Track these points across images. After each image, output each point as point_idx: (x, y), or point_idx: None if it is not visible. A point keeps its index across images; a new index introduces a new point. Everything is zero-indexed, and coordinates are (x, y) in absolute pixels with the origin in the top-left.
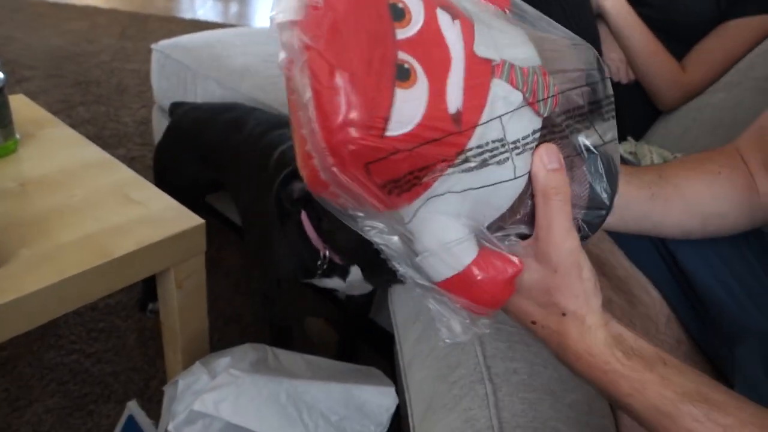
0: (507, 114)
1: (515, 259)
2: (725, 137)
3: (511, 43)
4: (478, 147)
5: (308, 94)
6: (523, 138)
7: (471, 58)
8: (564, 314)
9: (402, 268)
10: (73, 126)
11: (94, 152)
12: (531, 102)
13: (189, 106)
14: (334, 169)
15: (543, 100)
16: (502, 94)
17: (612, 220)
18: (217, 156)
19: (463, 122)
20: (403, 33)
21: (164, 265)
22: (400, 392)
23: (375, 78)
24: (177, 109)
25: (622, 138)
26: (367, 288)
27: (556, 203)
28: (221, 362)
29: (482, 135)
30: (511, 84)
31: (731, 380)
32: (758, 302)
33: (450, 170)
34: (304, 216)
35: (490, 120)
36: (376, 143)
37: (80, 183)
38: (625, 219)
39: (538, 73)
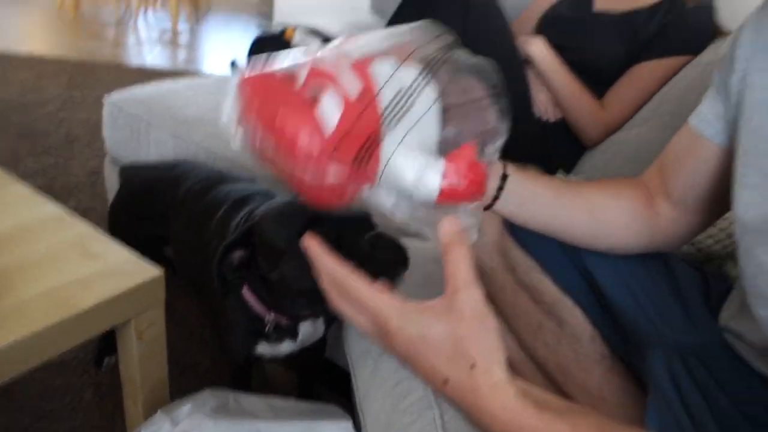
0: (391, 77)
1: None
2: (643, 169)
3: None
4: (389, 106)
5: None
6: (415, 79)
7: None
8: (473, 366)
9: (414, 214)
10: (22, 178)
11: (48, 207)
12: (404, 59)
13: (139, 167)
14: (334, 167)
15: (410, 54)
16: (382, 69)
17: (523, 215)
18: (164, 215)
19: (365, 99)
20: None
21: (126, 316)
22: (358, 426)
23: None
24: (128, 170)
25: (553, 171)
26: (318, 334)
27: (457, 255)
28: (183, 410)
29: (386, 97)
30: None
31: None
32: (663, 315)
33: (384, 129)
34: (246, 291)
35: (384, 86)
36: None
37: (38, 239)
38: (534, 214)
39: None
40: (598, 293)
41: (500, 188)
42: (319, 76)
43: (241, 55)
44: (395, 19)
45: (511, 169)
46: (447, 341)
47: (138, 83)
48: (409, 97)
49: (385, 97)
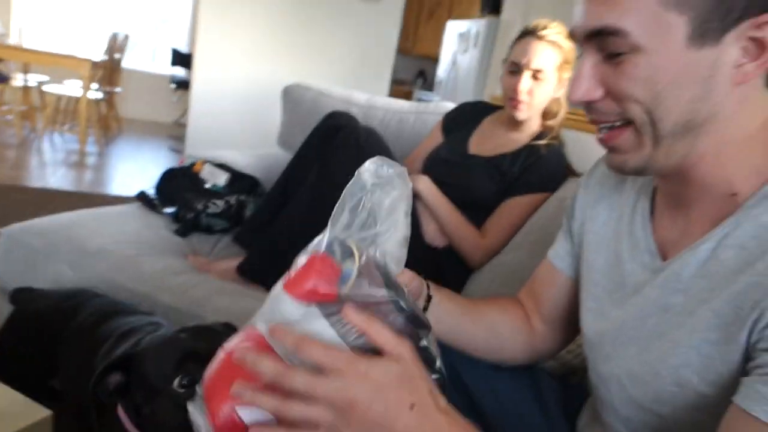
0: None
1: None
2: (516, 288)
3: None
4: None
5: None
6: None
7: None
8: (429, 391)
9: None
10: None
11: None
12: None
13: (34, 294)
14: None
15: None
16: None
17: (439, 330)
18: (54, 346)
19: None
20: None
21: None
22: None
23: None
24: (21, 296)
25: None
26: None
27: (376, 328)
28: None
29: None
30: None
31: None
32: (524, 420)
33: None
34: (120, 411)
35: None
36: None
37: None
38: (448, 330)
39: None
40: (465, 394)
41: (425, 308)
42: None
43: (151, 180)
44: (300, 153)
45: (433, 290)
46: (405, 376)
47: (37, 205)
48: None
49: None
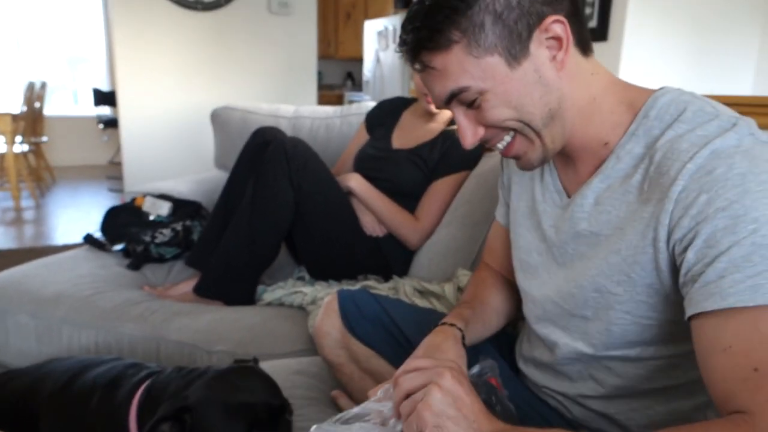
0: None
1: None
2: (454, 260)
3: None
4: None
5: None
6: None
7: None
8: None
9: None
10: None
11: None
12: None
13: (11, 374)
14: None
15: None
16: None
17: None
18: (31, 418)
19: None
20: None
21: None
22: None
23: None
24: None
25: (388, 277)
26: None
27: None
28: None
29: None
30: None
31: None
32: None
33: None
34: None
35: None
36: None
37: None
38: (480, 339)
39: None
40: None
41: (463, 345)
42: None
43: (95, 224)
44: (233, 173)
45: (463, 325)
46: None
47: None
48: None
49: None
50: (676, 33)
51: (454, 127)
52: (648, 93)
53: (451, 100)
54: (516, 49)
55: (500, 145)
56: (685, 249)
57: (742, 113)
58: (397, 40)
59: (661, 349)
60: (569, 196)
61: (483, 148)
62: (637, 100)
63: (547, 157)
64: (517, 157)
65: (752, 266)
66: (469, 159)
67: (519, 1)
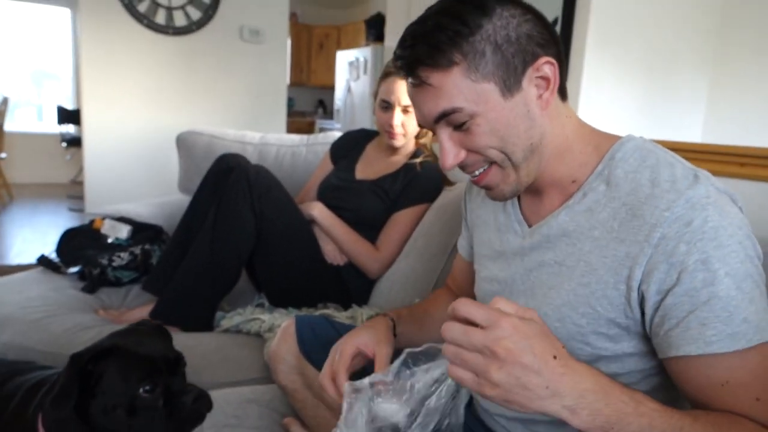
0: None
1: None
2: (413, 290)
3: None
4: None
5: None
6: None
7: None
8: (563, 346)
9: None
10: None
11: None
12: None
13: None
14: None
15: None
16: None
17: (404, 342)
18: None
19: None
20: None
21: None
22: None
23: None
24: None
25: (348, 306)
26: None
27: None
28: None
29: None
30: None
31: None
32: None
33: None
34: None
35: None
36: None
37: None
38: (410, 341)
39: None
40: None
41: (395, 335)
42: None
43: (53, 244)
44: (196, 197)
45: (395, 317)
46: (545, 332)
47: None
48: None
49: None
50: (628, 82)
51: (417, 159)
52: (614, 138)
53: (440, 119)
54: (510, 81)
55: (477, 172)
56: (665, 294)
57: (691, 159)
58: (369, 70)
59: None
60: (530, 227)
61: (443, 180)
62: (603, 144)
63: (519, 190)
64: (488, 188)
65: (728, 316)
66: (430, 192)
67: (517, 38)
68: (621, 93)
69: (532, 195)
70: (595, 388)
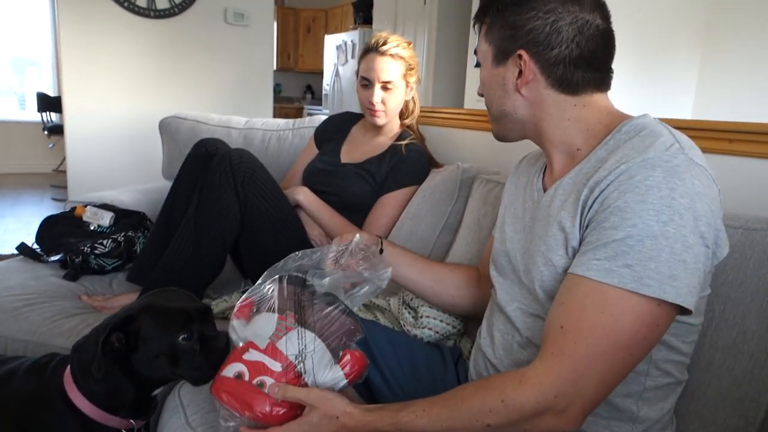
0: (287, 345)
1: None
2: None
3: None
4: (297, 360)
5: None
6: (300, 337)
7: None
8: (337, 417)
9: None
10: None
11: None
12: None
13: None
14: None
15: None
16: (283, 344)
17: (393, 274)
18: None
19: (287, 368)
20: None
21: None
22: None
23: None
24: None
25: None
26: None
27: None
28: None
29: (292, 356)
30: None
31: None
32: (402, 385)
33: (302, 372)
34: (82, 402)
35: (289, 353)
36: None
37: None
38: (397, 274)
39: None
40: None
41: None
42: (257, 371)
43: (33, 234)
44: (176, 184)
45: (386, 245)
46: (323, 419)
47: None
48: (305, 351)
49: (294, 358)
50: (620, 59)
51: (403, 142)
52: (629, 117)
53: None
54: (500, 55)
55: None
56: (588, 227)
57: None
58: (357, 54)
59: None
60: (545, 192)
61: (430, 161)
62: (617, 121)
63: (504, 137)
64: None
65: (614, 257)
66: (418, 174)
67: (521, 26)
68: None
69: (549, 166)
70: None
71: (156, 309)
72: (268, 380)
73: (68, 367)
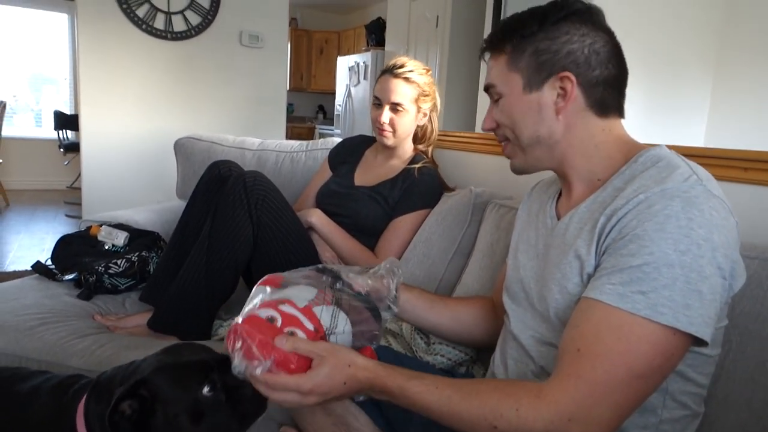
0: (322, 314)
1: None
2: None
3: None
4: (329, 329)
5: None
6: (334, 313)
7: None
8: (350, 365)
9: None
10: None
11: None
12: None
13: None
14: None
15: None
16: (318, 311)
17: (409, 319)
18: None
19: (318, 330)
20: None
21: None
22: None
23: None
24: None
25: None
26: None
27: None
28: None
29: (326, 324)
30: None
31: None
32: None
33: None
34: None
35: (323, 319)
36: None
37: None
38: (416, 319)
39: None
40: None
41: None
42: (291, 321)
43: (49, 250)
44: (189, 206)
45: (402, 291)
46: (334, 369)
47: None
48: (335, 328)
49: (326, 325)
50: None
51: (416, 165)
52: (646, 147)
53: (486, 90)
54: (533, 81)
55: (502, 144)
56: (604, 253)
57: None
58: (369, 76)
59: None
60: (559, 219)
61: (443, 186)
62: (633, 150)
63: (529, 169)
64: (508, 157)
65: (628, 283)
66: (429, 197)
67: (557, 50)
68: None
69: (566, 195)
70: (366, 385)
71: (170, 365)
72: (300, 333)
73: (85, 397)
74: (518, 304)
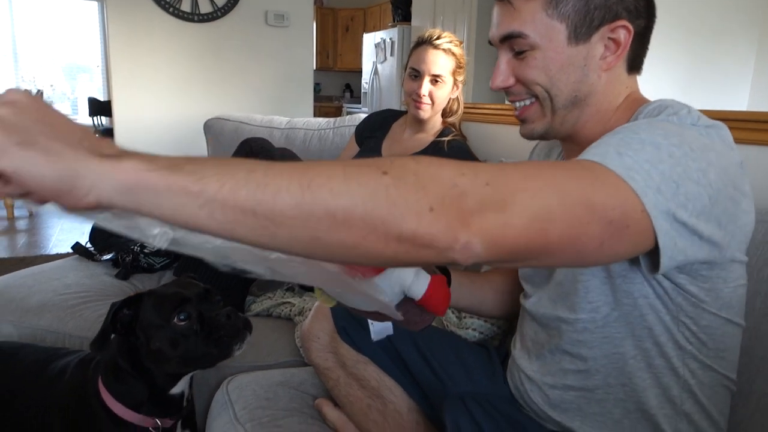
0: None
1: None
2: None
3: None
4: None
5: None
6: None
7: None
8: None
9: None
10: None
11: None
12: None
13: None
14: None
15: None
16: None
17: (458, 301)
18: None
19: None
20: None
21: None
22: None
23: None
24: None
25: None
26: None
27: None
28: None
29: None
30: None
31: None
32: (446, 370)
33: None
34: (108, 398)
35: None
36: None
37: None
38: (460, 297)
39: None
40: (406, 371)
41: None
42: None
43: (86, 233)
44: None
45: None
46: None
47: None
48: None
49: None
50: (673, 50)
51: (446, 138)
52: (650, 101)
53: (505, 40)
54: (581, 31)
55: (518, 104)
56: None
57: (736, 129)
58: (395, 52)
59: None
60: None
61: (474, 160)
62: (639, 105)
63: (548, 135)
64: (524, 121)
65: (606, 144)
66: None
67: None
68: (664, 61)
69: (574, 153)
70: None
71: (156, 294)
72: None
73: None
74: (531, 282)
